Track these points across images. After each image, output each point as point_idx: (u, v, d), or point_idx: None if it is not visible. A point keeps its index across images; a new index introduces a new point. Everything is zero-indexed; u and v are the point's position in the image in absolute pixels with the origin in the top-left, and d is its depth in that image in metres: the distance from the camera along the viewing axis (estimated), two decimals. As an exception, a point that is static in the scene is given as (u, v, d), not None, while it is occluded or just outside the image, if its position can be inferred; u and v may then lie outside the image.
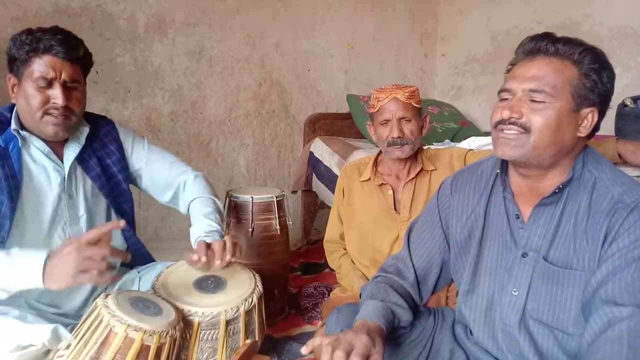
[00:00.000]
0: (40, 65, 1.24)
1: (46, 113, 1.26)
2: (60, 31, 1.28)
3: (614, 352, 0.83)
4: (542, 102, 0.93)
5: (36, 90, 1.24)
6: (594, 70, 0.93)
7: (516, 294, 1.01)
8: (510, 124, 0.96)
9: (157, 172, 1.56)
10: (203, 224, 1.44)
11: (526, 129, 0.94)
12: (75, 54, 1.29)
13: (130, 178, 1.54)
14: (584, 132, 0.96)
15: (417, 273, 1.18)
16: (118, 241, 1.49)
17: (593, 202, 0.94)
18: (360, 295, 1.66)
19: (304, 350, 0.90)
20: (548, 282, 0.97)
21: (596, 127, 0.97)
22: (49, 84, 1.25)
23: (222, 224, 1.48)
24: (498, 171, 1.08)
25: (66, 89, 1.27)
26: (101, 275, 1.08)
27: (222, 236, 1.42)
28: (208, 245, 1.33)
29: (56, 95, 1.25)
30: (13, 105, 1.32)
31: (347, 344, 0.89)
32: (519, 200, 1.05)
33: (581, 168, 0.98)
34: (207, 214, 1.47)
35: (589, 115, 0.95)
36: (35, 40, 1.23)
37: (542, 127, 0.93)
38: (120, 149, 1.49)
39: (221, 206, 1.58)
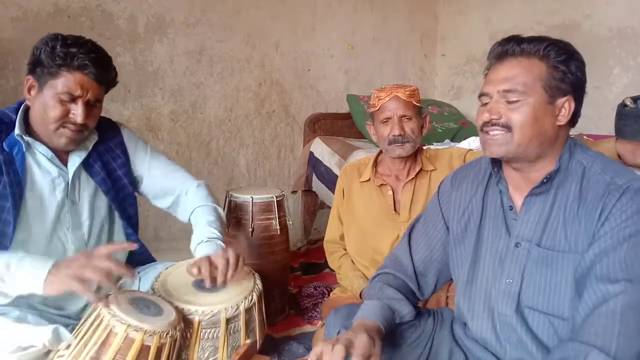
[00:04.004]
0: (69, 81, 1.21)
1: (62, 126, 1.25)
2: (94, 49, 1.26)
3: (607, 327, 0.86)
4: (516, 100, 0.99)
5: (58, 102, 1.22)
6: (560, 62, 0.98)
7: (510, 282, 1.04)
8: (492, 125, 1.02)
9: (160, 177, 1.55)
10: (205, 231, 1.43)
11: (508, 128, 1.00)
12: (107, 77, 1.28)
13: (133, 181, 1.53)
14: (562, 120, 1.00)
15: (416, 266, 1.21)
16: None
17: (583, 189, 0.98)
18: (360, 296, 1.68)
19: None
20: (542, 267, 1.00)
21: (576, 114, 1.02)
22: (73, 99, 1.23)
23: (223, 233, 1.48)
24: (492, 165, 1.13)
25: (88, 106, 1.26)
26: (97, 293, 1.09)
27: (222, 244, 1.41)
28: (211, 262, 1.29)
29: (77, 112, 1.24)
30: (19, 106, 1.29)
31: (346, 340, 0.90)
32: (513, 191, 1.09)
33: (568, 159, 1.02)
34: (210, 222, 1.46)
35: (566, 104, 0.99)
36: (69, 56, 1.20)
37: (521, 123, 0.99)
38: (125, 152, 1.48)
39: (223, 215, 1.57)
